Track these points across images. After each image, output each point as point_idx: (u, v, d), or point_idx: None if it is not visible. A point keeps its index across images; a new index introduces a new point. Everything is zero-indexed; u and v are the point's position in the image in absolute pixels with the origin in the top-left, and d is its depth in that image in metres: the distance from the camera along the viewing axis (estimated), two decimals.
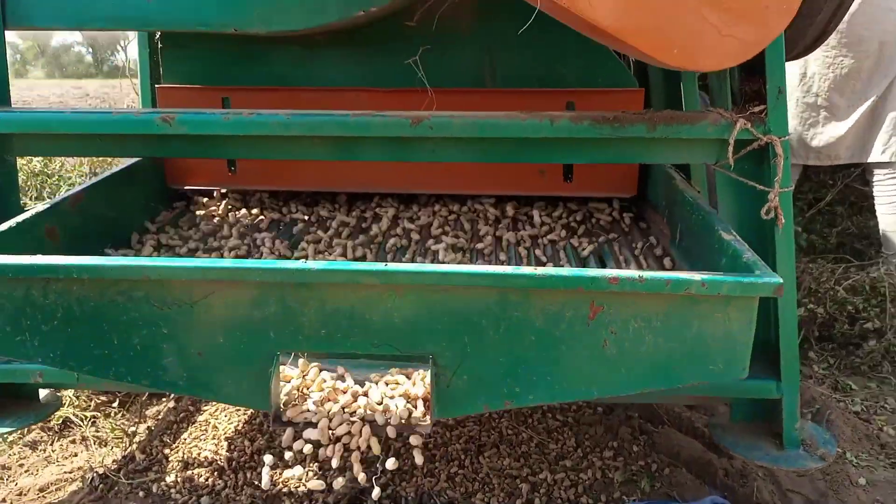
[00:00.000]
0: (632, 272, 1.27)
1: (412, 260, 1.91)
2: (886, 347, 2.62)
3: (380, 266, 1.30)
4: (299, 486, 1.93)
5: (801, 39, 2.03)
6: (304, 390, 1.47)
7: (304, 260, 1.37)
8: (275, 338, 1.37)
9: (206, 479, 1.98)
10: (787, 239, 1.63)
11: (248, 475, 1.99)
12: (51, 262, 1.33)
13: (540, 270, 1.29)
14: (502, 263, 1.90)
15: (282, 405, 1.42)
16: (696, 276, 1.26)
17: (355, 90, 2.07)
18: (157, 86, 2.13)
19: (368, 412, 1.41)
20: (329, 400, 1.44)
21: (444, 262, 1.88)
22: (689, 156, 1.65)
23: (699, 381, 1.36)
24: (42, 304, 1.37)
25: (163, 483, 1.97)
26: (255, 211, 2.25)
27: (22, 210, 1.88)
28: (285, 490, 1.93)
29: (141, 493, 1.94)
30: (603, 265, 1.89)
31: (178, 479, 1.98)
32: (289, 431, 1.39)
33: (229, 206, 2.26)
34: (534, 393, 1.38)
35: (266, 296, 1.34)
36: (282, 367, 1.41)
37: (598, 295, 1.29)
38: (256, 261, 1.39)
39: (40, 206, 1.68)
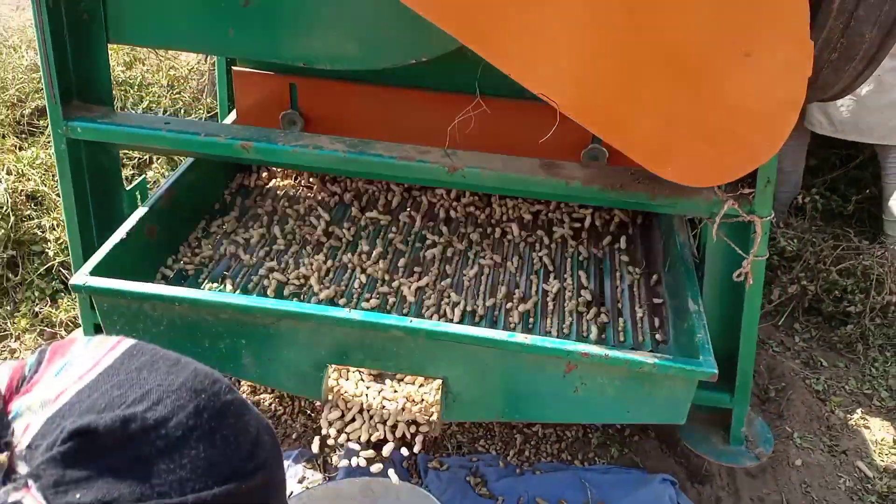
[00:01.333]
0: (600, 350, 1.62)
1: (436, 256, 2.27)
2: (862, 331, 2.93)
3: (404, 321, 1.68)
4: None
5: (837, 81, 2.07)
6: (346, 391, 1.90)
7: (348, 310, 1.75)
8: (325, 355, 1.79)
9: (269, 405, 2.50)
10: (755, 295, 1.94)
11: (303, 403, 2.49)
12: (158, 291, 1.74)
13: (530, 339, 1.65)
14: (509, 263, 2.25)
15: (329, 398, 1.87)
16: (650, 358, 1.61)
17: (413, 91, 2.28)
18: (233, 68, 2.39)
19: (392, 411, 1.85)
20: (364, 402, 1.88)
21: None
22: (684, 212, 1.93)
23: (647, 421, 1.76)
24: (152, 315, 1.79)
25: None
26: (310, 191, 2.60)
27: (122, 185, 2.27)
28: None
29: None
30: (601, 279, 2.22)
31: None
32: (334, 413, 1.85)
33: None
34: (518, 414, 1.81)
35: (320, 329, 1.74)
36: (330, 371, 1.84)
37: (573, 359, 1.66)
38: (314, 306, 1.78)
39: (141, 210, 2.05)
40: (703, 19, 1.42)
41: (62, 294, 2.96)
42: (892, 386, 2.79)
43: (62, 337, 2.81)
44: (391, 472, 1.97)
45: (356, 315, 1.71)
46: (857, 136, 3.23)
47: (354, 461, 2.01)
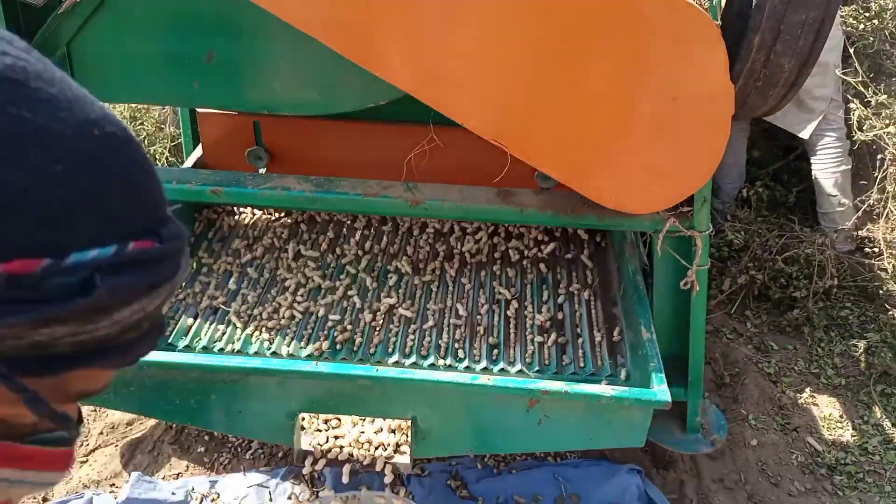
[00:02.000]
0: (559, 387, 1.76)
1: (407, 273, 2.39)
2: (807, 315, 3.14)
3: (371, 371, 1.81)
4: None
5: (764, 104, 2.24)
6: (319, 434, 2.03)
7: (315, 363, 1.86)
8: (295, 405, 1.91)
9: None
10: (700, 300, 2.11)
11: None
12: None
13: (492, 380, 1.79)
14: (470, 293, 2.37)
15: (301, 445, 1.99)
16: (607, 391, 1.76)
17: (373, 124, 2.39)
18: (198, 110, 2.48)
19: (365, 452, 1.99)
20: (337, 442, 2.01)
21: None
22: (631, 228, 2.08)
23: (608, 447, 1.92)
24: (121, 378, 1.89)
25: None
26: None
27: None
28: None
29: (206, 437, 2.58)
30: (558, 303, 2.35)
31: None
32: (309, 460, 1.98)
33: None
34: (487, 447, 1.97)
35: (288, 381, 1.86)
36: (301, 419, 1.96)
37: (535, 396, 1.80)
38: (280, 360, 1.90)
39: None
40: (638, 73, 1.57)
41: None
42: (837, 364, 3.00)
43: None
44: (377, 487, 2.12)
45: (323, 368, 1.82)
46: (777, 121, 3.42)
47: (340, 475, 2.16)
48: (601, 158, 1.69)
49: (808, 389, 2.89)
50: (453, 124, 2.20)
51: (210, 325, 2.22)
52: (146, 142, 3.67)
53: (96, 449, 2.59)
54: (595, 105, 1.63)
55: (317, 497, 2.34)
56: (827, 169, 3.39)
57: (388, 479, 2.14)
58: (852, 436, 2.68)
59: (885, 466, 2.54)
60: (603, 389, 1.76)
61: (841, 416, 2.77)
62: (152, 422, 2.66)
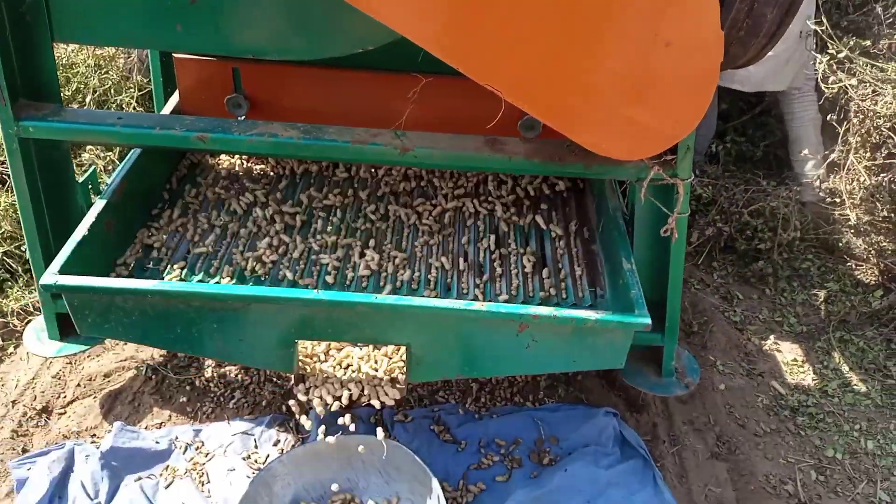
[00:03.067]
0: (548, 311, 1.82)
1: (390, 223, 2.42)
2: (772, 267, 3.26)
3: (370, 298, 1.84)
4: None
5: (744, 54, 2.30)
6: (316, 360, 2.05)
7: (316, 290, 1.89)
8: (294, 332, 1.92)
9: (236, 376, 2.63)
10: (679, 247, 2.17)
11: (268, 371, 2.63)
12: (131, 286, 1.84)
13: (486, 306, 1.83)
14: (455, 232, 2.42)
15: (298, 369, 2.01)
16: (592, 315, 1.82)
17: (356, 72, 2.38)
18: (174, 55, 2.42)
19: (363, 376, 2.02)
20: (334, 367, 2.04)
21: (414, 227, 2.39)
22: (615, 176, 2.13)
23: (590, 368, 1.99)
24: (124, 307, 1.88)
25: (203, 378, 2.61)
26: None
27: (74, 178, 2.31)
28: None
29: (188, 388, 2.58)
30: (541, 238, 2.42)
31: (215, 375, 2.62)
32: (303, 387, 2.01)
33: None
34: (477, 371, 2.02)
35: (288, 309, 1.88)
36: (300, 347, 1.98)
37: (525, 321, 1.85)
38: (283, 289, 1.91)
39: (99, 205, 2.11)
40: (631, 17, 1.59)
41: (9, 283, 2.97)
42: (799, 313, 3.13)
43: (14, 326, 2.84)
44: (350, 427, 2.14)
45: (324, 295, 1.84)
46: (738, 85, 3.52)
47: (324, 421, 2.19)
48: (592, 104, 1.71)
49: (771, 337, 3.02)
50: (438, 73, 2.21)
51: (201, 266, 2.23)
52: (112, 91, 3.57)
53: (74, 401, 2.56)
54: (588, 50, 1.65)
55: (302, 443, 2.37)
56: (802, 118, 3.50)
57: (380, 434, 2.18)
58: (813, 380, 2.82)
59: (844, 408, 2.68)
60: (589, 314, 1.82)
61: (802, 362, 2.90)
62: (131, 373, 2.64)
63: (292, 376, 2.02)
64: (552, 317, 1.81)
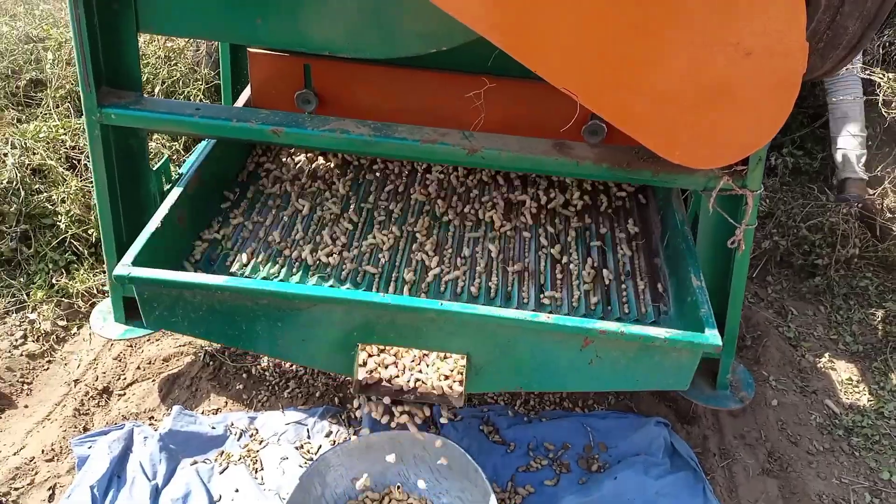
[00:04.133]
0: (616, 326, 1.82)
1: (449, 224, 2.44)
2: (828, 283, 3.21)
3: (436, 305, 1.85)
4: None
5: (822, 66, 2.20)
6: (376, 366, 2.08)
7: (382, 293, 1.91)
8: (356, 335, 1.95)
9: (291, 366, 2.67)
10: (744, 259, 2.16)
11: None
12: (201, 280, 1.89)
13: (552, 318, 1.84)
14: (517, 240, 2.43)
15: (359, 376, 2.04)
16: (661, 333, 1.81)
17: (423, 72, 2.39)
18: (248, 49, 2.48)
19: (420, 385, 2.04)
20: (393, 374, 2.06)
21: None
22: (683, 186, 2.12)
23: (654, 388, 1.98)
24: (192, 301, 1.93)
25: (259, 367, 2.66)
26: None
27: (149, 167, 2.38)
28: (349, 379, 2.62)
29: (244, 375, 2.63)
30: (603, 249, 2.42)
31: (270, 364, 2.67)
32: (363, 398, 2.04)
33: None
34: (537, 385, 2.02)
35: (352, 311, 1.91)
36: (360, 351, 2.00)
37: (591, 336, 1.85)
38: (350, 291, 1.94)
39: (171, 198, 2.16)
40: (713, 26, 1.59)
41: (76, 265, 3.06)
42: (856, 331, 3.07)
43: (79, 308, 2.92)
44: (411, 426, 2.17)
45: (390, 300, 1.87)
46: None
47: (376, 416, 2.21)
48: (668, 110, 1.71)
49: (826, 354, 2.97)
50: (506, 76, 2.23)
51: (266, 262, 2.27)
52: (180, 83, 3.66)
53: (134, 383, 2.63)
54: (669, 57, 1.65)
55: (356, 435, 2.40)
56: (846, 97, 3.44)
57: (418, 419, 2.20)
58: (868, 400, 2.77)
59: None
60: (657, 331, 1.81)
61: (858, 382, 2.85)
62: (189, 358, 2.71)
63: (351, 379, 2.04)
64: (619, 333, 1.80)
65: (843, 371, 2.90)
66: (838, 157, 3.46)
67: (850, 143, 3.44)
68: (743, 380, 2.50)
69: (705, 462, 2.44)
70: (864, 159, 3.40)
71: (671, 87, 1.70)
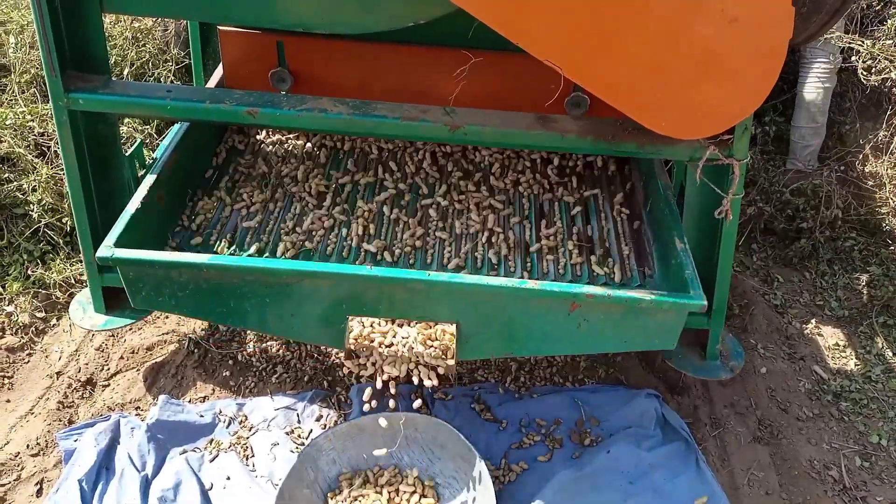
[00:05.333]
0: (603, 290, 1.80)
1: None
2: (814, 245, 3.21)
3: (424, 275, 1.82)
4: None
5: (805, 30, 2.17)
6: (366, 337, 2.04)
7: (369, 266, 1.88)
8: (346, 308, 1.92)
9: (278, 350, 2.63)
10: (732, 229, 2.14)
11: (309, 347, 2.64)
12: (187, 259, 1.84)
13: (539, 285, 1.82)
14: (500, 210, 2.40)
15: (350, 346, 2.01)
16: (647, 295, 1.80)
17: (401, 47, 2.32)
18: (219, 27, 2.40)
19: (411, 353, 2.01)
20: (382, 344, 2.03)
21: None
22: (668, 157, 2.09)
23: (642, 349, 1.97)
24: (178, 281, 1.88)
25: (245, 353, 2.62)
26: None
27: (121, 152, 2.31)
28: (337, 362, 2.60)
29: (230, 362, 2.59)
30: (587, 217, 2.39)
31: (257, 350, 2.63)
32: (352, 363, 2.00)
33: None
34: (526, 350, 2.00)
35: (341, 284, 1.87)
36: (350, 322, 1.97)
37: (578, 300, 1.83)
38: (335, 265, 1.90)
39: (150, 178, 2.10)
40: None
41: (51, 255, 2.99)
42: (841, 296, 3.08)
43: (57, 299, 2.86)
44: (391, 404, 2.14)
45: (378, 272, 1.83)
46: None
47: (366, 398, 2.19)
48: (655, 81, 1.67)
49: (813, 320, 2.98)
50: (486, 49, 2.17)
51: (250, 239, 2.23)
52: (149, 65, 3.56)
53: (117, 373, 2.59)
54: (653, 25, 1.61)
55: (345, 418, 2.38)
56: (814, 83, 3.43)
57: (416, 403, 2.18)
58: (856, 364, 2.78)
59: (888, 394, 2.65)
60: (643, 294, 1.81)
61: (845, 346, 2.86)
62: (172, 346, 2.66)
63: (342, 352, 2.01)
64: (606, 296, 1.79)
65: (829, 336, 2.91)
66: (794, 144, 3.49)
67: (804, 133, 3.47)
68: (732, 349, 2.49)
69: (697, 432, 2.45)
70: (812, 151, 3.42)
71: (656, 56, 1.66)
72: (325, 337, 1.99)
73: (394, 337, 2.03)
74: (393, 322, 2.04)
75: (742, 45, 1.62)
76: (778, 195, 3.28)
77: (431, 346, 2.02)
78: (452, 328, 1.95)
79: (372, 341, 1.93)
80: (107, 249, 1.86)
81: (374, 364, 1.96)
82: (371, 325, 2.04)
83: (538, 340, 1.95)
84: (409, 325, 2.06)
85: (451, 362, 1.99)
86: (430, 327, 2.06)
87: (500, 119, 2.01)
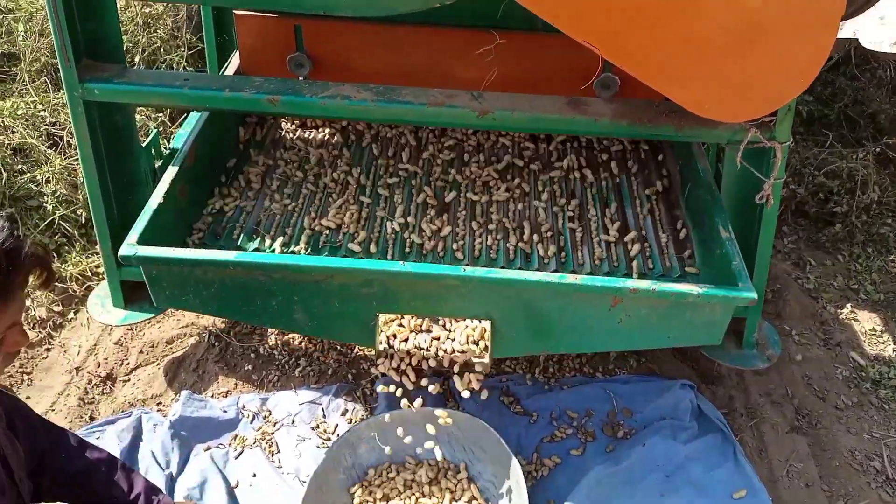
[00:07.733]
0: (647, 284, 1.72)
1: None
2: (849, 230, 3.11)
3: (457, 270, 1.75)
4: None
5: (848, 7, 2.07)
6: (398, 335, 1.97)
7: (402, 262, 1.80)
8: (376, 305, 1.85)
9: (300, 343, 2.57)
10: (772, 214, 2.06)
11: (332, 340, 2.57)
12: (211, 257, 1.77)
13: (580, 279, 1.74)
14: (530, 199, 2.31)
15: (381, 345, 1.94)
16: (694, 288, 1.72)
17: (422, 28, 2.25)
18: (235, 11, 2.32)
19: (446, 352, 1.94)
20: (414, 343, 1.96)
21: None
22: (708, 140, 2.01)
23: (686, 344, 1.89)
24: (203, 279, 1.82)
25: (267, 346, 2.56)
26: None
27: (138, 142, 2.24)
28: (361, 354, 2.54)
29: (252, 355, 2.54)
30: (621, 203, 2.31)
31: (279, 343, 2.57)
32: (385, 363, 1.93)
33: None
34: (562, 346, 1.94)
35: (371, 281, 1.80)
36: (382, 321, 1.90)
37: (621, 294, 1.76)
38: (366, 261, 1.83)
39: (172, 171, 2.04)
40: None
41: (66, 248, 2.94)
42: (877, 280, 2.99)
43: (74, 292, 2.81)
44: (418, 400, 2.08)
45: (410, 268, 1.76)
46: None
47: (392, 389, 2.12)
48: (699, 61, 1.59)
49: (848, 305, 2.89)
50: (514, 30, 2.09)
51: (275, 233, 2.17)
52: (161, 51, 3.48)
53: (137, 367, 2.54)
54: (698, 2, 1.52)
55: (371, 413, 2.32)
56: None
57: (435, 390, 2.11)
58: (894, 350, 2.70)
59: None
60: (689, 287, 1.73)
61: (882, 332, 2.78)
62: (193, 340, 2.61)
63: (372, 351, 1.95)
64: (651, 290, 1.71)
65: (865, 321, 2.82)
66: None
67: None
68: (769, 337, 2.42)
69: (732, 422, 2.37)
70: None
71: (700, 32, 1.57)
72: (356, 335, 1.93)
73: (427, 334, 1.96)
74: (425, 319, 1.98)
75: (792, 18, 1.53)
76: (811, 178, 3.18)
77: (465, 344, 1.95)
78: (487, 325, 1.88)
79: (404, 340, 1.86)
80: (130, 247, 1.80)
81: (406, 363, 1.89)
82: (403, 323, 1.97)
83: (576, 337, 1.88)
84: (441, 322, 2.00)
85: (487, 360, 1.92)
86: (464, 324, 1.99)
87: (530, 103, 1.93)
